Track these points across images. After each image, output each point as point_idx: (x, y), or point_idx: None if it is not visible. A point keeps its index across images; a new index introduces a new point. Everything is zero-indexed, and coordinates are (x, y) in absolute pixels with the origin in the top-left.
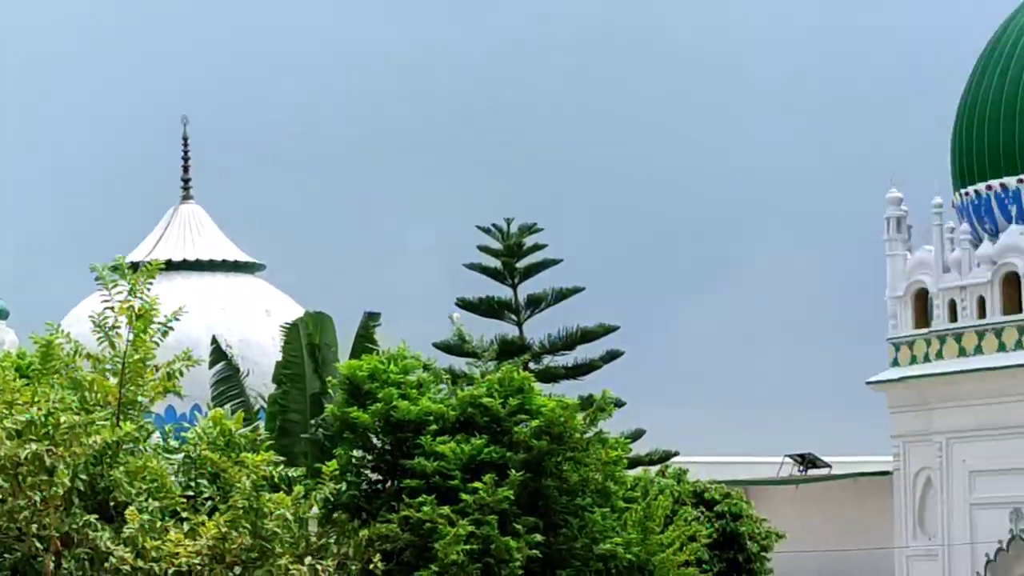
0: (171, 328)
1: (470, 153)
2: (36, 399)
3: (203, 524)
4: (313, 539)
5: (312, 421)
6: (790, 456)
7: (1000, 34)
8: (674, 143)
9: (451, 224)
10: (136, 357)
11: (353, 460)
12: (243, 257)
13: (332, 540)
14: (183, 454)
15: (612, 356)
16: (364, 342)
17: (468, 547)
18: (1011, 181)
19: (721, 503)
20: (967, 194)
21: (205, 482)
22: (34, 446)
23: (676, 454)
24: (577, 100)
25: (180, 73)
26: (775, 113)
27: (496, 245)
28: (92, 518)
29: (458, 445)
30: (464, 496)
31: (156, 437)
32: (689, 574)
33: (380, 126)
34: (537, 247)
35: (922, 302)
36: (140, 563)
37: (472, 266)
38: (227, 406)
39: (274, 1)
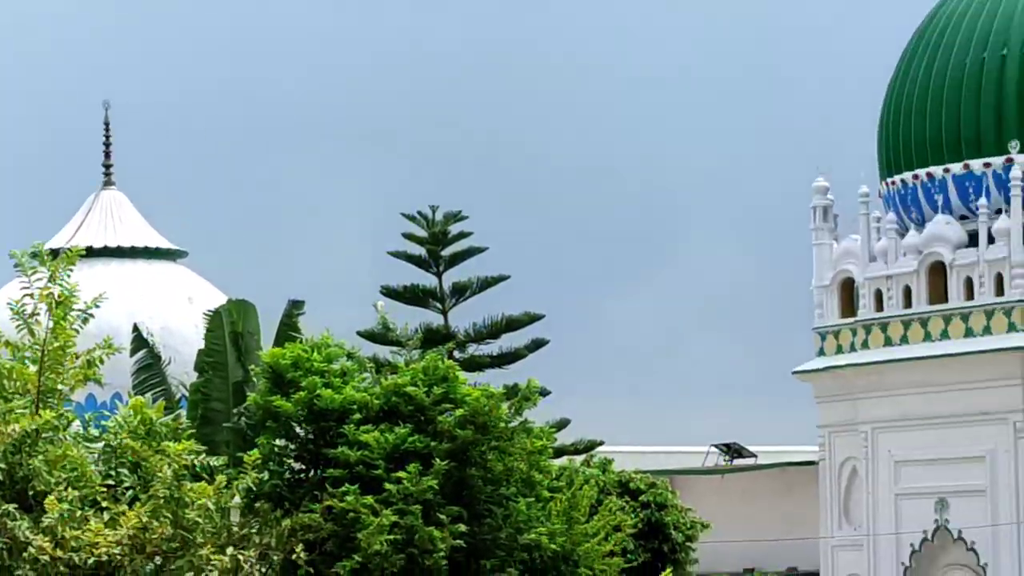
0: (91, 315)
1: (396, 140)
2: None
3: (123, 514)
4: (235, 529)
5: (234, 410)
6: (716, 446)
7: (927, 24)
8: (602, 132)
9: (376, 212)
10: (56, 345)
11: (276, 449)
12: (165, 244)
13: (254, 530)
14: (103, 443)
15: (537, 345)
16: (288, 330)
17: (391, 537)
18: (937, 171)
19: (646, 493)
20: (894, 183)
21: (126, 471)
22: None
23: (601, 443)
24: (504, 88)
25: (101, 58)
26: (702, 102)
27: (421, 233)
28: (11, 507)
29: (382, 434)
30: (388, 486)
31: (76, 426)
32: (614, 564)
33: (305, 113)
34: (462, 235)
35: (848, 291)
36: (59, 553)
37: (397, 254)
38: (148, 394)
39: None
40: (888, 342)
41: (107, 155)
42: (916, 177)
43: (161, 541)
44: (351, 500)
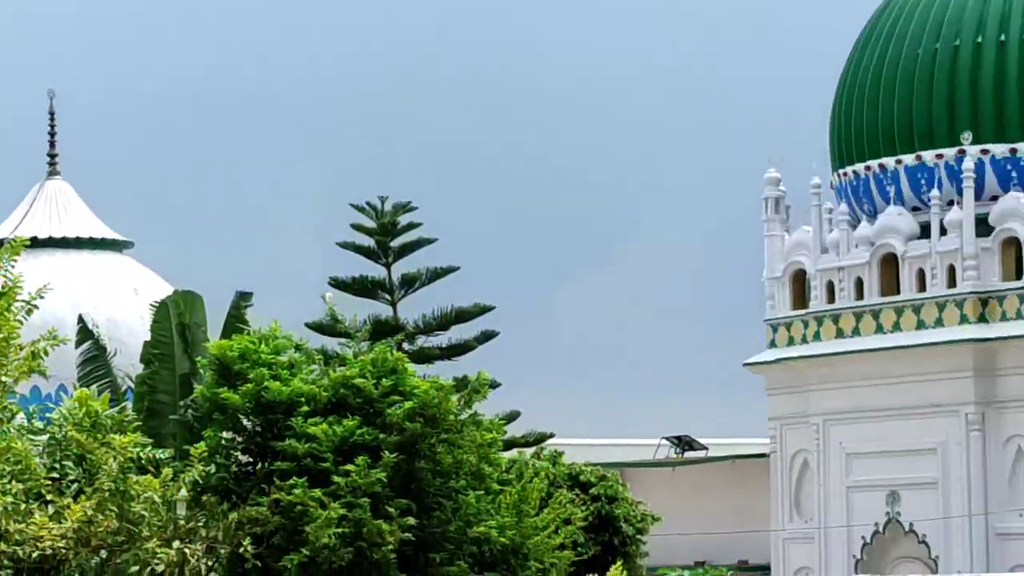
0: (36, 307)
1: (345, 131)
2: None
3: (68, 507)
4: (181, 522)
5: (181, 402)
6: (667, 438)
7: (878, 16)
8: (553, 124)
9: (325, 202)
10: None
11: (223, 442)
12: (111, 234)
13: (201, 523)
14: (48, 435)
15: (487, 337)
16: (235, 322)
17: (340, 530)
18: (890, 162)
19: (597, 486)
20: (846, 175)
21: (71, 464)
22: None
23: (551, 436)
24: (457, 79)
25: (47, 47)
26: (653, 94)
27: (370, 224)
28: None
29: (330, 427)
30: (336, 478)
31: (20, 418)
32: (564, 557)
33: (254, 103)
34: (412, 226)
35: (800, 283)
36: (3, 547)
37: (345, 245)
38: (93, 386)
39: None
40: (840, 334)
41: (52, 145)
42: (868, 168)
43: (106, 535)
44: (299, 493)
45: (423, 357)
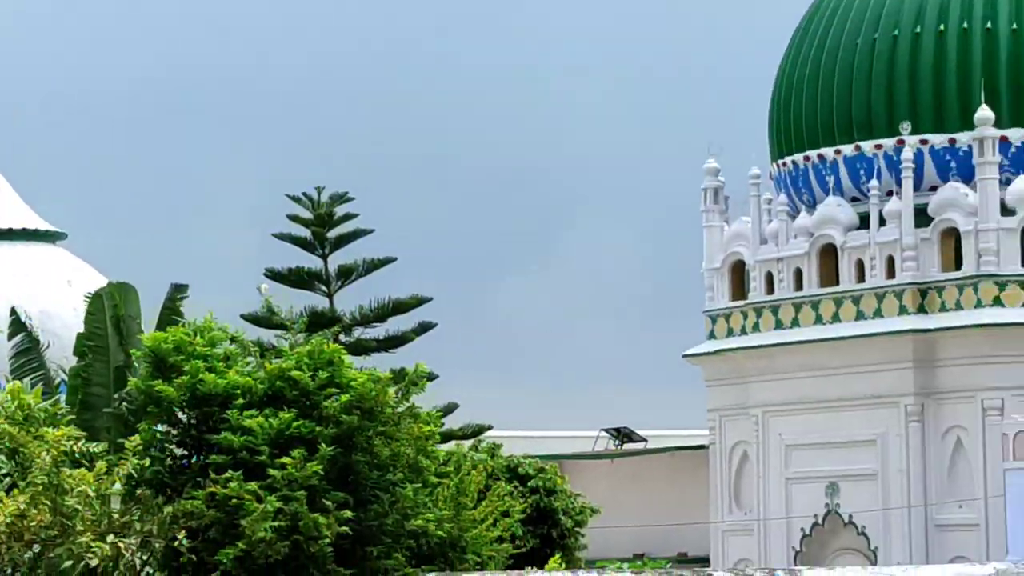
0: None
1: (281, 121)
2: None
3: (1, 501)
4: (116, 516)
5: (115, 395)
6: (606, 430)
7: (817, 6)
8: (491, 115)
9: (261, 193)
10: None
11: (158, 435)
12: (44, 225)
13: (135, 517)
14: None
15: (425, 328)
16: (170, 314)
17: (276, 524)
18: (828, 152)
19: (535, 478)
20: (785, 165)
21: (3, 458)
22: None
23: (490, 428)
24: (394, 69)
25: None
26: (592, 85)
27: (306, 214)
28: None
29: (266, 419)
30: (272, 472)
31: None
32: (502, 550)
33: (189, 94)
34: (348, 216)
35: (739, 274)
36: None
37: (281, 236)
38: (26, 379)
39: None
40: (779, 325)
41: None
42: (807, 158)
43: (40, 529)
44: (234, 486)
45: (360, 349)
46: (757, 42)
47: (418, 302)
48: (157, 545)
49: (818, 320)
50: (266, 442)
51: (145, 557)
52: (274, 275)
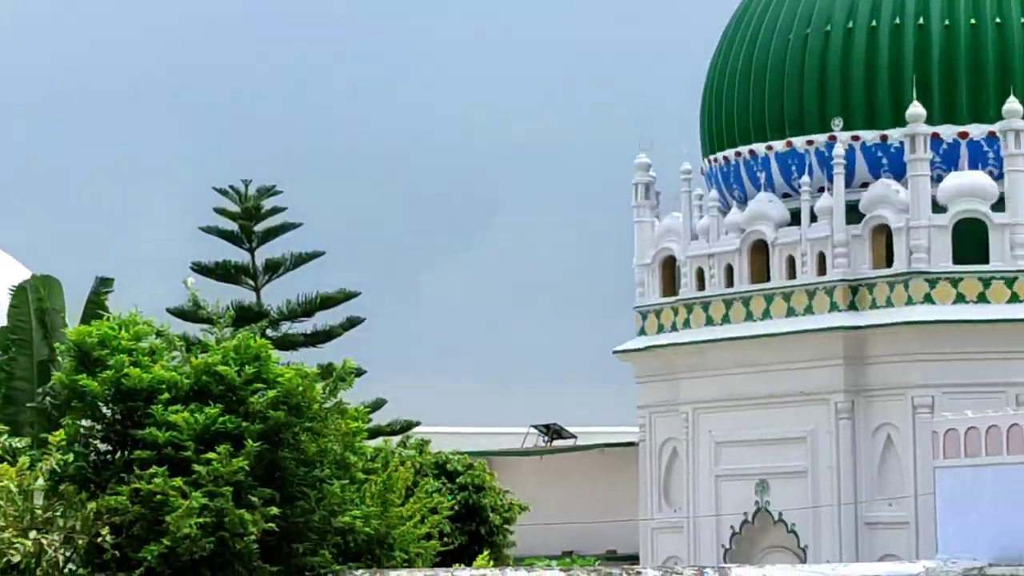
0: None
1: (208, 113)
2: None
3: None
4: (39, 512)
5: (39, 389)
6: (535, 427)
7: (749, 1)
8: (418, 107)
9: (188, 186)
10: None
11: (82, 430)
12: None
13: (59, 513)
14: None
15: (352, 323)
16: (95, 308)
17: (201, 520)
18: (760, 148)
19: (464, 475)
20: (716, 161)
21: None
22: None
23: (418, 424)
24: (320, 61)
25: None
26: (522, 77)
27: (233, 208)
28: None
29: (191, 414)
30: (197, 467)
31: None
32: (430, 547)
33: (114, 82)
34: (276, 210)
35: (670, 270)
36: None
37: (208, 229)
38: None
39: None
40: (710, 321)
41: None
42: (739, 154)
43: None
44: (159, 482)
45: (287, 344)
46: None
47: (346, 297)
48: (80, 541)
49: (749, 317)
50: (191, 437)
51: (68, 553)
52: (200, 269)
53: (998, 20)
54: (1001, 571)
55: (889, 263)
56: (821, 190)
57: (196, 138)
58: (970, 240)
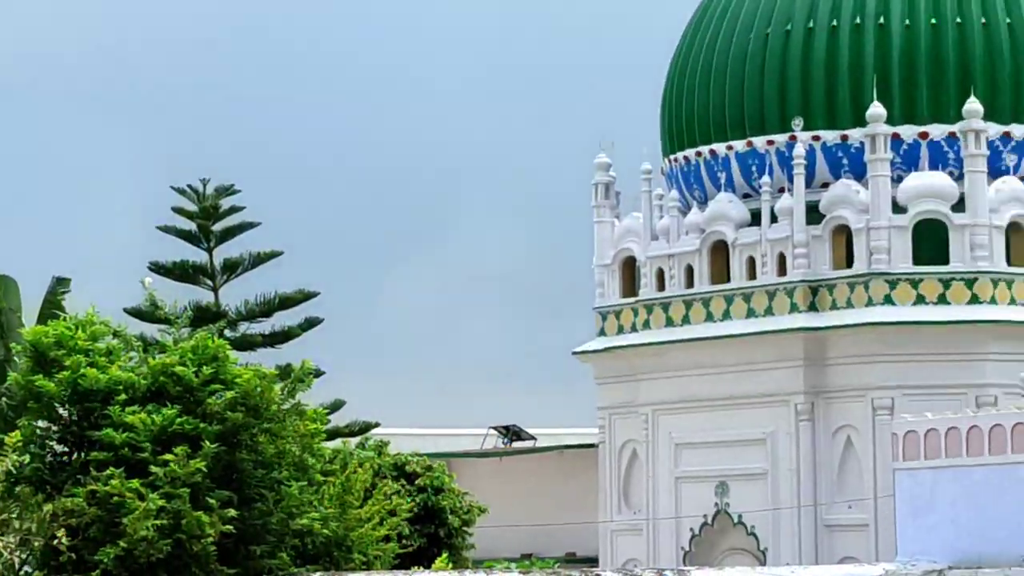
0: None
1: (166, 112)
2: None
3: None
4: None
5: None
6: (494, 428)
7: (709, 0)
8: (377, 106)
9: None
10: None
11: (38, 431)
12: None
13: (14, 515)
14: None
15: (311, 324)
16: (51, 308)
17: (158, 522)
18: (720, 148)
19: (423, 476)
20: (676, 160)
21: None
22: None
23: (377, 425)
24: (278, 60)
25: None
26: (481, 76)
27: (191, 207)
28: None
29: (149, 416)
30: (154, 469)
31: None
32: (388, 549)
33: (72, 82)
34: (234, 209)
35: (630, 271)
36: None
37: (166, 228)
38: None
39: None
40: (670, 322)
41: None
42: (699, 154)
43: None
44: (116, 484)
45: (245, 344)
46: (649, 36)
47: (305, 297)
48: (36, 543)
49: (709, 317)
50: (148, 439)
51: (24, 556)
52: (158, 268)
53: (959, 20)
54: (960, 574)
55: (849, 264)
56: (781, 190)
57: (154, 137)
58: (930, 241)
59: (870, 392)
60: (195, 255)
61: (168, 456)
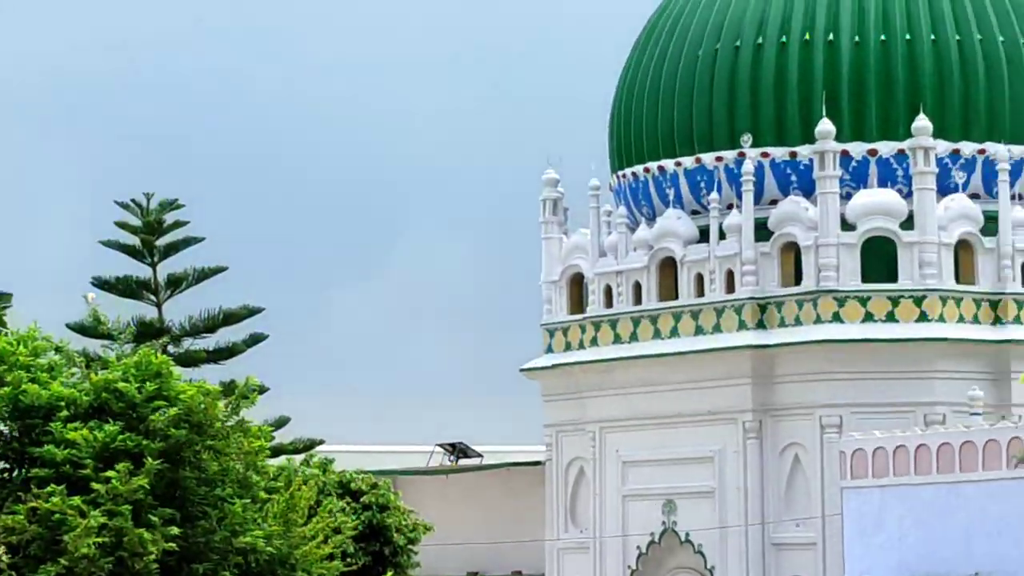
0: None
1: (110, 125)
2: None
3: None
4: None
5: None
6: (441, 445)
7: (658, 15)
8: (323, 121)
9: (89, 199)
10: None
11: None
12: None
13: None
14: None
15: (255, 340)
16: None
17: (100, 539)
18: (669, 164)
19: (368, 494)
20: (624, 177)
21: None
22: None
23: (322, 442)
24: (221, 74)
25: None
26: (428, 89)
27: (135, 221)
28: None
29: (91, 432)
30: (96, 486)
31: None
32: (332, 567)
33: (12, 96)
34: (178, 224)
35: (578, 287)
36: None
37: (109, 243)
38: None
39: None
40: (617, 339)
41: None
42: (647, 170)
43: None
44: (57, 501)
45: (189, 360)
46: (598, 52)
47: (249, 313)
48: None
49: (657, 335)
50: (90, 455)
51: None
52: (101, 284)
53: (908, 37)
54: None
55: (798, 281)
56: (730, 207)
57: (98, 151)
58: (879, 258)
59: (818, 410)
60: (139, 270)
61: (110, 473)
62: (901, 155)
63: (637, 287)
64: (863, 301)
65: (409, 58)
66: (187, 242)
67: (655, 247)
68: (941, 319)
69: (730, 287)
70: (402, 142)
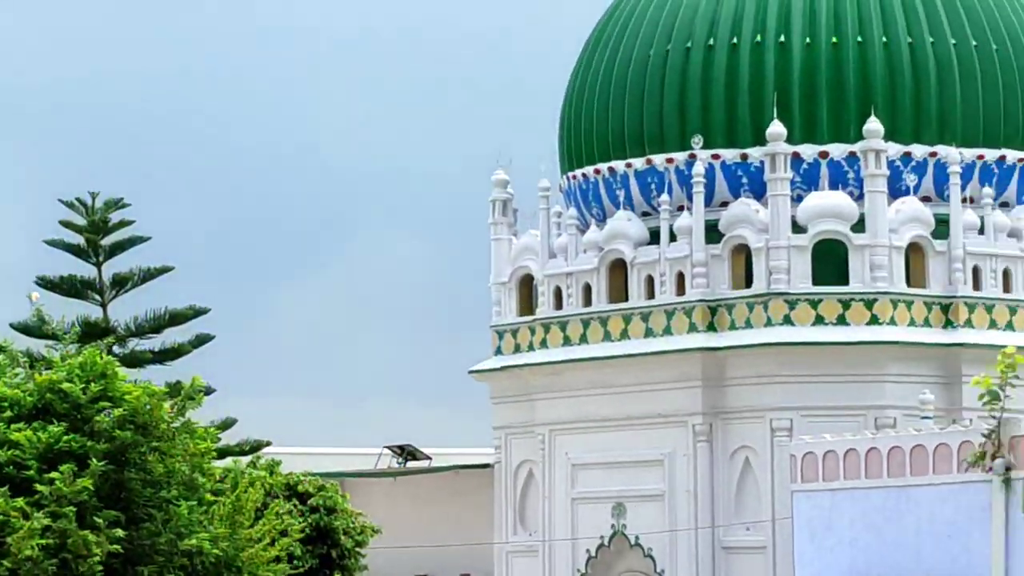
0: None
1: (54, 124)
2: None
3: None
4: None
5: None
6: (389, 447)
7: (609, 16)
8: (272, 120)
9: (33, 198)
10: None
11: None
12: None
13: None
14: None
15: (202, 340)
16: None
17: (43, 541)
18: (619, 165)
19: (315, 496)
20: (575, 178)
21: None
22: None
23: (268, 444)
24: (169, 72)
25: None
26: (378, 90)
27: (80, 220)
28: None
29: (34, 433)
30: (40, 487)
31: None
32: (279, 570)
33: None
34: (124, 223)
35: (528, 289)
36: None
37: (53, 242)
38: None
39: None
40: (567, 341)
41: None
42: (598, 171)
43: None
44: (0, 502)
45: (134, 361)
46: (548, 51)
47: (195, 313)
48: None
49: (607, 337)
50: (34, 456)
51: None
52: (45, 283)
53: (859, 39)
54: None
55: (748, 283)
56: (681, 209)
57: (42, 149)
58: (830, 261)
59: (768, 413)
60: (83, 270)
61: (54, 474)
62: (852, 157)
63: (587, 289)
64: (814, 304)
65: (360, 56)
66: (132, 241)
67: (605, 249)
68: (892, 322)
69: (680, 289)
70: (352, 140)
